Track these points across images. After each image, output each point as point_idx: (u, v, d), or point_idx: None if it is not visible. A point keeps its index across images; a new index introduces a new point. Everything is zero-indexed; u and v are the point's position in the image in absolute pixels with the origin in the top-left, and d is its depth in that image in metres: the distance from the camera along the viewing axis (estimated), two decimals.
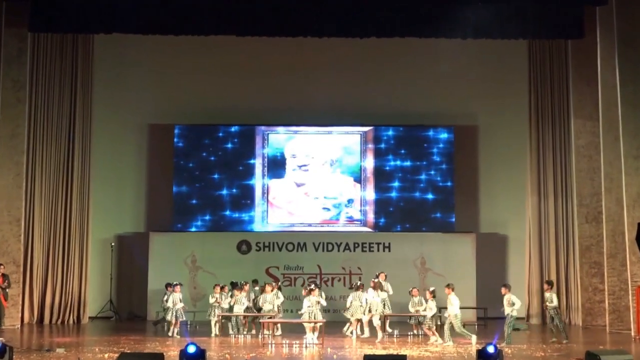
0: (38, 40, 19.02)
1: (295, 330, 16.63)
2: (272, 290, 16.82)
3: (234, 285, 17.21)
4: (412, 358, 12.85)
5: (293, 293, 19.71)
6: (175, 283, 16.99)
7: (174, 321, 16.44)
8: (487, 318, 19.17)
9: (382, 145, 21.07)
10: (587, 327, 18.27)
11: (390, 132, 21.10)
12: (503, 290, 15.43)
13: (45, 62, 19.23)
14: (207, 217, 20.80)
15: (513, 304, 15.23)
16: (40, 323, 18.88)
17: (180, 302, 16.66)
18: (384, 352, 13.73)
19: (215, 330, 16.62)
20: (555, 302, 15.70)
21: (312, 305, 15.44)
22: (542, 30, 18.04)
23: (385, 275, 17.34)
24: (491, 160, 21.18)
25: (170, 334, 16.38)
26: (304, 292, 16.10)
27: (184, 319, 16.82)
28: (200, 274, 20.09)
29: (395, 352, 13.64)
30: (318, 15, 17.59)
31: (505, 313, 15.32)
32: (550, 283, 16.24)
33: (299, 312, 16.09)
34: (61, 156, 19.38)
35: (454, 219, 20.83)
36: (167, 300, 16.82)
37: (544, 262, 19.62)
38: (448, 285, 15.59)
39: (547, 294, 15.88)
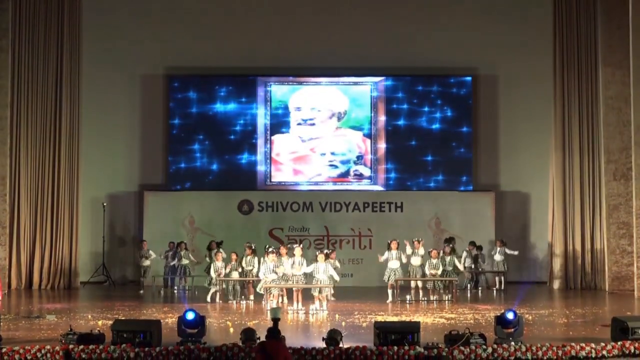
0: None
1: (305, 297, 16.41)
2: (251, 254, 16.83)
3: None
4: (425, 325, 12.91)
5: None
6: (215, 250, 17.31)
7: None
8: (507, 282, 19.27)
9: (394, 97, 20.93)
10: (614, 292, 18.35)
11: (403, 83, 20.95)
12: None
13: (28, 7, 19.07)
14: (206, 175, 20.81)
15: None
16: (29, 288, 18.91)
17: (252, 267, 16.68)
18: (395, 319, 13.86)
19: (216, 298, 16.76)
20: None
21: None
22: None
23: (398, 243, 17.13)
24: (512, 113, 21.01)
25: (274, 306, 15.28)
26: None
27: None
28: (198, 236, 20.17)
29: (407, 319, 13.75)
30: None
31: None
32: None
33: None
34: (48, 110, 19.25)
35: (472, 177, 20.83)
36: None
37: (569, 222, 19.51)
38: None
39: None
